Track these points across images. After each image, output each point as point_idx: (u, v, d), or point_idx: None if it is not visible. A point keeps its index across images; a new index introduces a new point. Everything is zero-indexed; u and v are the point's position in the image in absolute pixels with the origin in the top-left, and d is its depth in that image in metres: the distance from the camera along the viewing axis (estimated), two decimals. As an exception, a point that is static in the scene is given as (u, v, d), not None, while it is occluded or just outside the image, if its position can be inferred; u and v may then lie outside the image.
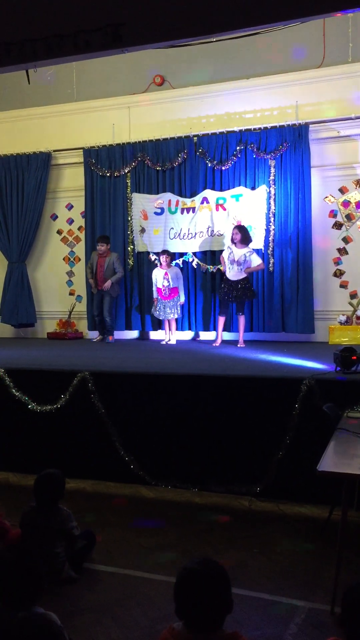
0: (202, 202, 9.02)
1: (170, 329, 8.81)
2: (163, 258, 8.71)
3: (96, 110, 9.81)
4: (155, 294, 8.78)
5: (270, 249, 8.67)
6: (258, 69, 8.88)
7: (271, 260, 8.65)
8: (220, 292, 8.31)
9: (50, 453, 5.70)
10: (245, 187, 8.84)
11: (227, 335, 8.93)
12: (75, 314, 9.96)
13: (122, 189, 9.53)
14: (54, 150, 10.01)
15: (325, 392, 4.95)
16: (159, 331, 9.27)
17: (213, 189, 9.02)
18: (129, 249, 9.47)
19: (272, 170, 8.69)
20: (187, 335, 9.28)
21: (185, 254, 9.15)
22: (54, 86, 9.81)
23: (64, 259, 10.26)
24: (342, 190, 8.64)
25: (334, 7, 4.66)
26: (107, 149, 9.58)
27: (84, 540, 3.96)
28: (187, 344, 8.68)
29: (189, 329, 9.21)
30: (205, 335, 9.23)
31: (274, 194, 8.68)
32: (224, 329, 8.75)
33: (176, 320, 8.87)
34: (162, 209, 9.26)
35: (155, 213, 9.30)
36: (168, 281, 8.65)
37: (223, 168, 8.95)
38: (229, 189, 8.94)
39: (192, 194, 9.13)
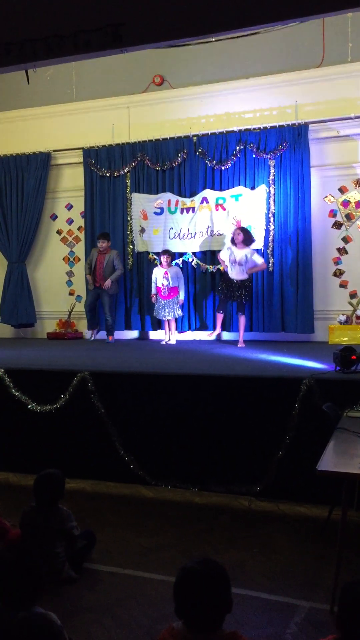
0: (201, 202, 9.02)
1: (170, 329, 8.81)
2: (164, 258, 8.71)
3: (96, 110, 9.81)
4: (153, 290, 8.78)
5: (270, 248, 8.67)
6: (257, 69, 8.88)
7: (271, 260, 8.65)
8: (220, 291, 8.31)
9: (50, 453, 5.70)
10: (245, 187, 8.84)
11: (227, 335, 8.94)
12: (75, 314, 9.96)
13: (122, 189, 9.53)
14: (54, 150, 10.01)
15: (325, 391, 4.95)
16: (159, 331, 9.28)
17: (213, 188, 9.02)
18: (129, 249, 9.47)
19: (272, 170, 8.69)
20: (191, 335, 9.27)
21: (185, 253, 9.15)
22: (53, 86, 9.82)
23: (63, 259, 10.26)
24: (342, 190, 8.65)
25: (333, 7, 4.66)
26: (107, 149, 9.58)
27: (84, 540, 3.96)
28: (187, 344, 8.68)
29: (189, 328, 9.21)
30: (204, 335, 9.23)
31: (274, 194, 8.68)
32: (224, 329, 8.77)
33: (176, 320, 8.86)
34: (162, 209, 9.27)
35: (155, 213, 9.31)
36: (167, 280, 8.65)
37: (223, 168, 8.95)
38: (228, 188, 8.94)
39: (192, 194, 9.13)
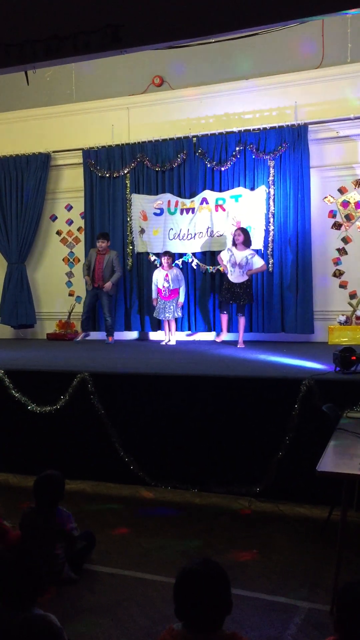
0: (201, 203, 9.02)
1: (170, 330, 8.81)
2: (164, 259, 8.71)
3: (95, 111, 9.81)
4: (154, 294, 8.78)
5: (270, 249, 8.67)
6: (257, 70, 8.89)
7: (270, 261, 8.66)
8: (221, 294, 8.32)
9: (50, 454, 5.70)
10: (245, 187, 8.84)
11: (227, 336, 8.93)
12: (75, 315, 9.96)
13: (122, 190, 9.53)
14: (53, 151, 10.01)
15: (325, 392, 4.96)
16: (159, 332, 9.27)
17: (212, 189, 9.02)
18: (128, 249, 9.47)
19: (272, 170, 8.69)
20: (190, 336, 9.27)
21: (185, 254, 9.15)
22: (53, 87, 9.82)
23: (63, 259, 10.26)
24: (342, 191, 8.65)
25: (333, 7, 4.66)
26: (107, 149, 9.58)
27: (83, 541, 3.95)
28: (186, 344, 8.68)
29: (189, 329, 9.21)
30: (204, 336, 9.23)
31: (274, 195, 8.68)
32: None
33: (176, 320, 8.86)
34: (162, 210, 9.27)
35: (155, 214, 9.31)
36: (168, 282, 8.65)
37: (222, 169, 8.95)
38: (228, 189, 8.94)
39: (192, 195, 9.14)
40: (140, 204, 9.39)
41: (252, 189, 8.80)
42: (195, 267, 9.11)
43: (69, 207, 10.18)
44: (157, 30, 4.87)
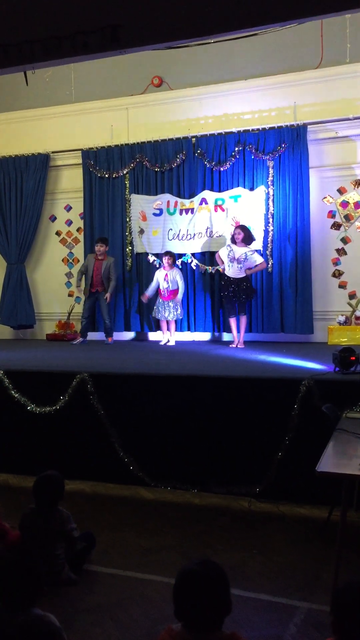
0: (200, 203, 9.03)
1: (169, 330, 8.80)
2: (165, 259, 8.71)
3: (94, 112, 9.82)
4: (150, 292, 8.77)
5: (269, 249, 8.68)
6: (256, 70, 8.90)
7: (270, 261, 8.66)
8: (224, 295, 8.27)
9: (49, 454, 5.69)
10: (244, 188, 8.85)
11: (227, 336, 8.94)
12: (74, 315, 9.96)
13: (121, 190, 9.53)
14: (53, 152, 10.02)
15: (324, 392, 4.96)
16: (158, 332, 9.27)
17: (212, 189, 9.03)
18: (128, 250, 9.47)
19: (271, 171, 8.70)
20: (190, 336, 9.27)
21: (184, 254, 9.15)
22: (52, 88, 9.82)
23: (62, 260, 10.27)
24: (341, 191, 8.65)
25: (332, 7, 4.65)
26: (106, 150, 9.59)
27: (83, 541, 3.95)
28: (186, 345, 8.68)
29: (188, 329, 9.21)
30: (203, 336, 9.23)
31: (273, 195, 8.68)
32: (224, 329, 8.78)
33: (175, 321, 8.86)
34: (161, 210, 9.27)
35: (154, 214, 9.31)
36: (167, 283, 8.65)
37: (221, 169, 8.96)
38: (227, 189, 8.95)
39: (191, 195, 9.14)
40: (140, 204, 9.40)
41: (252, 189, 8.81)
42: (194, 268, 9.11)
43: (68, 208, 10.18)
44: (156, 30, 4.87)
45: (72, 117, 9.93)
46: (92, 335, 9.71)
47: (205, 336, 9.24)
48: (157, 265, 9.02)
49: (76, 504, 4.91)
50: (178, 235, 9.20)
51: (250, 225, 8.64)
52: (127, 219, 9.48)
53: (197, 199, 9.05)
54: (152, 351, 8.09)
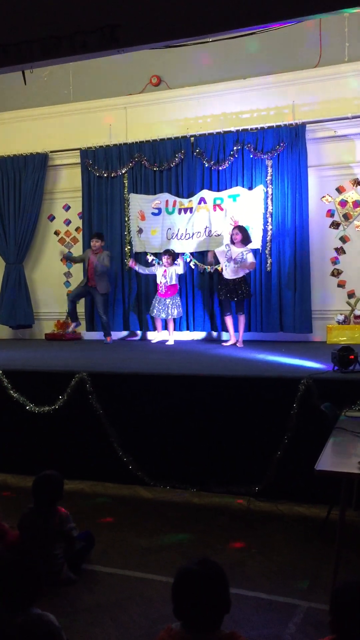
0: (199, 203, 9.03)
1: (168, 329, 8.80)
2: (165, 258, 8.71)
3: (93, 111, 9.81)
4: (139, 267, 8.90)
5: (268, 248, 8.68)
6: (254, 69, 8.89)
7: (269, 260, 8.66)
8: (219, 294, 8.31)
9: (48, 454, 5.69)
10: (243, 187, 8.85)
11: (226, 336, 8.94)
12: (73, 315, 9.95)
13: (120, 190, 9.53)
14: (51, 151, 10.01)
15: (323, 391, 4.96)
16: (162, 331, 9.22)
17: (210, 189, 9.03)
18: (127, 249, 9.47)
19: (269, 170, 8.70)
20: (189, 335, 9.27)
21: (183, 254, 9.14)
22: (50, 87, 9.82)
23: (61, 260, 10.25)
24: (339, 190, 8.66)
25: (331, 6, 4.66)
26: (104, 149, 9.58)
27: (82, 541, 3.95)
28: (185, 344, 8.68)
29: (187, 329, 9.21)
30: (202, 335, 9.23)
31: (271, 194, 8.68)
32: (223, 329, 8.77)
33: (174, 320, 8.86)
34: (160, 210, 9.27)
35: (153, 213, 9.31)
36: (165, 278, 8.66)
37: (220, 168, 8.96)
38: (226, 189, 8.95)
39: (190, 195, 9.14)
40: (138, 203, 9.39)
41: (250, 188, 8.81)
42: (193, 267, 9.10)
43: (67, 207, 10.17)
44: (154, 29, 4.87)
45: (71, 117, 9.92)
46: (91, 335, 9.73)
47: (204, 335, 9.24)
48: (155, 265, 9.01)
49: (75, 503, 4.90)
50: (177, 234, 9.20)
51: (249, 225, 8.65)
52: (126, 219, 9.48)
53: (195, 199, 9.05)
54: (151, 350, 8.10)
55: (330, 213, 8.71)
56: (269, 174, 8.71)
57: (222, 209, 8.92)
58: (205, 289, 9.08)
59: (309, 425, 4.88)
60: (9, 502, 5.14)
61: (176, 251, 9.12)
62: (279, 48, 8.73)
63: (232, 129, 8.86)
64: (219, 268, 8.47)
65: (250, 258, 8.11)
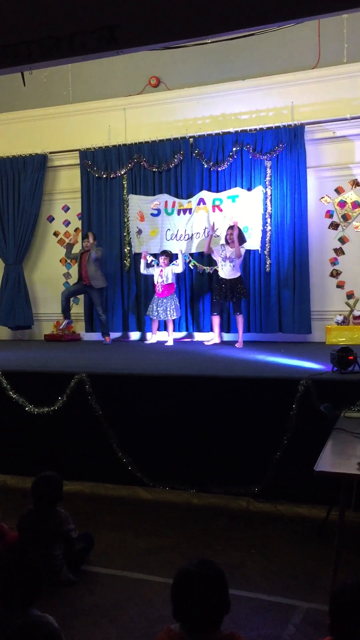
0: (198, 203, 9.03)
1: (167, 330, 8.79)
2: (162, 259, 8.72)
3: (92, 112, 9.81)
4: (151, 269, 8.87)
5: (267, 249, 8.68)
6: (253, 70, 8.89)
7: (268, 261, 8.66)
8: (214, 293, 8.32)
9: (47, 455, 5.69)
10: (242, 188, 8.85)
11: (226, 336, 8.94)
12: (73, 316, 9.93)
13: (119, 191, 9.53)
14: (50, 152, 10.01)
15: (323, 392, 4.96)
16: (158, 332, 9.22)
17: (209, 190, 9.03)
18: (126, 250, 9.47)
19: (268, 171, 8.70)
20: (188, 336, 9.27)
21: (184, 254, 9.14)
22: (49, 88, 9.81)
23: (60, 260, 10.25)
24: (338, 191, 8.66)
25: (331, 7, 4.66)
26: (103, 150, 9.58)
27: (82, 542, 3.95)
28: (184, 345, 8.67)
29: (186, 329, 9.21)
30: (201, 336, 9.23)
31: (270, 195, 8.68)
32: (223, 330, 8.76)
33: (173, 321, 8.86)
34: (159, 210, 9.27)
35: (152, 214, 9.31)
36: (162, 277, 8.66)
37: (219, 169, 8.96)
38: (225, 190, 8.95)
39: (189, 195, 9.14)
40: (138, 204, 9.40)
41: (249, 189, 8.81)
42: (192, 268, 9.11)
43: (66, 208, 10.17)
44: (153, 30, 4.87)
45: (70, 118, 9.92)
46: (90, 336, 9.72)
47: (203, 336, 9.23)
48: (154, 265, 9.01)
49: (75, 504, 4.91)
50: (176, 235, 9.20)
51: (248, 225, 8.65)
52: (125, 219, 9.47)
53: (195, 199, 9.06)
54: (150, 351, 8.09)
55: (329, 214, 8.71)
56: (268, 175, 8.71)
57: (221, 210, 8.92)
58: (205, 289, 9.07)
59: (308, 426, 4.88)
60: (9, 503, 5.13)
61: (176, 252, 9.12)
62: (277, 49, 8.74)
63: (231, 129, 8.86)
64: (207, 269, 8.49)
65: (240, 249, 8.14)
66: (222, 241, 8.41)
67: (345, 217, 8.64)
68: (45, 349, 8.52)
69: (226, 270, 8.15)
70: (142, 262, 8.91)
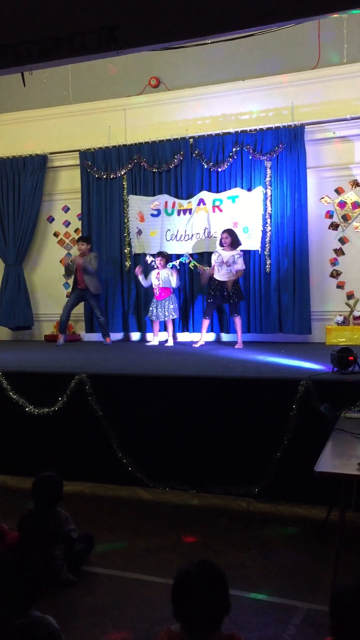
0: (198, 204, 9.03)
1: (167, 331, 8.79)
2: (158, 260, 8.72)
3: (92, 113, 9.81)
4: (146, 280, 8.83)
5: (267, 250, 8.68)
6: (253, 71, 8.90)
7: (268, 262, 8.66)
8: (209, 295, 8.29)
9: (48, 456, 5.69)
10: (242, 188, 8.85)
11: (226, 337, 8.95)
12: (73, 317, 9.91)
13: (119, 191, 9.53)
14: (50, 153, 10.01)
15: (323, 392, 4.96)
16: (157, 335, 9.22)
17: (209, 190, 9.03)
18: (126, 251, 9.47)
19: (268, 171, 8.70)
20: (188, 337, 9.26)
21: (182, 255, 9.15)
22: (49, 89, 9.81)
23: (60, 261, 10.25)
24: (338, 191, 8.66)
25: (331, 7, 4.66)
26: (103, 151, 9.58)
27: (82, 543, 3.95)
28: (184, 345, 8.67)
29: (186, 330, 9.21)
30: (184, 337, 9.22)
31: (270, 195, 8.68)
32: (222, 330, 8.77)
33: (173, 321, 8.85)
34: (159, 211, 9.27)
35: (152, 215, 9.31)
36: (159, 280, 8.66)
37: (219, 169, 8.96)
38: (225, 190, 8.95)
39: (189, 196, 9.14)
40: (138, 205, 9.40)
41: (249, 189, 8.81)
42: (192, 268, 9.11)
43: (66, 209, 10.18)
44: (153, 31, 4.87)
45: (70, 118, 9.92)
46: (91, 337, 9.72)
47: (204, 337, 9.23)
48: (155, 266, 9.01)
49: (75, 505, 4.90)
50: (176, 236, 9.20)
51: (248, 226, 8.66)
52: (125, 220, 9.47)
53: (195, 200, 9.06)
54: (150, 352, 8.09)
55: (329, 214, 8.71)
56: (268, 175, 8.71)
57: (221, 210, 8.92)
58: (204, 290, 9.06)
59: (308, 426, 4.88)
60: (9, 503, 5.13)
61: (175, 252, 9.13)
62: (277, 49, 8.74)
63: (231, 130, 8.86)
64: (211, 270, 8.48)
65: (240, 264, 8.10)
66: (217, 246, 8.39)
67: (345, 218, 8.64)
68: (46, 350, 8.52)
69: (223, 273, 8.14)
70: (140, 277, 8.87)
